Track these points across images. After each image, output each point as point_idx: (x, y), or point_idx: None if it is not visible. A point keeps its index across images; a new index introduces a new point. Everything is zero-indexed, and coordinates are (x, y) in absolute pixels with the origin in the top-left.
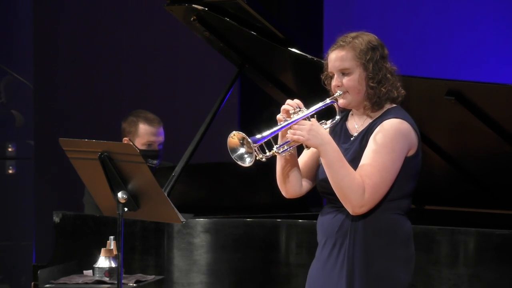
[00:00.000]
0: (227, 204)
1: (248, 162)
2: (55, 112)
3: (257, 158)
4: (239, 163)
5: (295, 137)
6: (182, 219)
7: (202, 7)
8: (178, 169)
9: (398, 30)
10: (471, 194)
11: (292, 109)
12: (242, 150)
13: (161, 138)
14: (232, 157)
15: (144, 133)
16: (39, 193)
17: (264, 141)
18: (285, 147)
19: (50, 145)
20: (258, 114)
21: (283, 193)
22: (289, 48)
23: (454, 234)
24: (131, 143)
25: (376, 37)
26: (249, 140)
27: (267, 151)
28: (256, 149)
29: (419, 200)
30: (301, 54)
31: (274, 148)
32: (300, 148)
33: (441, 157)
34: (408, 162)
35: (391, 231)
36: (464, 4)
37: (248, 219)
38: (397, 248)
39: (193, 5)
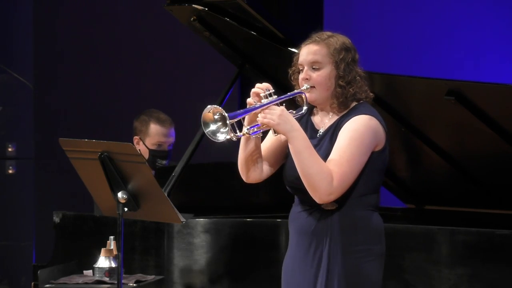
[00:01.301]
0: (227, 204)
1: (222, 138)
2: (55, 112)
3: (227, 137)
4: (212, 138)
5: (266, 120)
6: (182, 219)
7: (202, 7)
8: (178, 169)
9: (398, 30)
10: (471, 194)
11: (263, 92)
12: (214, 126)
13: (171, 139)
14: (205, 131)
15: (155, 134)
16: (39, 193)
17: (239, 118)
18: (255, 130)
19: (50, 145)
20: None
21: (244, 178)
22: (289, 48)
23: (454, 234)
24: (131, 144)
25: (350, 41)
26: (225, 115)
27: (238, 131)
28: (230, 126)
29: (419, 200)
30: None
31: (245, 129)
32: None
33: (441, 157)
34: (375, 157)
35: (365, 227)
36: (464, 4)
37: (248, 219)
38: (371, 244)
39: (193, 5)
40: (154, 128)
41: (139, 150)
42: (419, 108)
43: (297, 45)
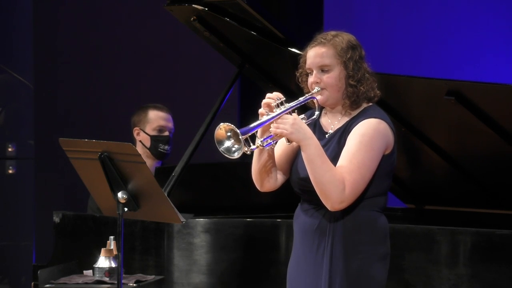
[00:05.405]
0: (227, 204)
1: (237, 154)
2: (55, 112)
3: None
4: (227, 155)
5: (279, 131)
6: (182, 219)
7: (202, 7)
8: (178, 169)
9: (398, 30)
10: (471, 194)
11: (274, 102)
12: (229, 143)
13: (171, 125)
14: (220, 149)
15: (154, 118)
16: (39, 193)
17: (252, 132)
18: (269, 141)
19: (50, 145)
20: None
21: (258, 187)
22: (289, 48)
23: (454, 234)
24: (131, 144)
25: (355, 37)
26: (237, 131)
27: (251, 144)
28: (243, 141)
29: (419, 200)
30: (301, 54)
31: (259, 141)
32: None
33: (441, 157)
34: (384, 160)
35: (369, 228)
36: (464, 4)
37: (248, 219)
38: (375, 245)
39: (193, 5)
40: (152, 113)
41: (141, 141)
42: (419, 108)
43: (297, 45)
